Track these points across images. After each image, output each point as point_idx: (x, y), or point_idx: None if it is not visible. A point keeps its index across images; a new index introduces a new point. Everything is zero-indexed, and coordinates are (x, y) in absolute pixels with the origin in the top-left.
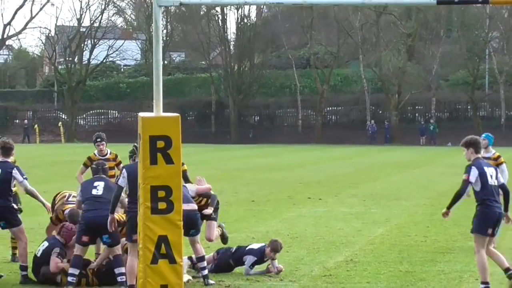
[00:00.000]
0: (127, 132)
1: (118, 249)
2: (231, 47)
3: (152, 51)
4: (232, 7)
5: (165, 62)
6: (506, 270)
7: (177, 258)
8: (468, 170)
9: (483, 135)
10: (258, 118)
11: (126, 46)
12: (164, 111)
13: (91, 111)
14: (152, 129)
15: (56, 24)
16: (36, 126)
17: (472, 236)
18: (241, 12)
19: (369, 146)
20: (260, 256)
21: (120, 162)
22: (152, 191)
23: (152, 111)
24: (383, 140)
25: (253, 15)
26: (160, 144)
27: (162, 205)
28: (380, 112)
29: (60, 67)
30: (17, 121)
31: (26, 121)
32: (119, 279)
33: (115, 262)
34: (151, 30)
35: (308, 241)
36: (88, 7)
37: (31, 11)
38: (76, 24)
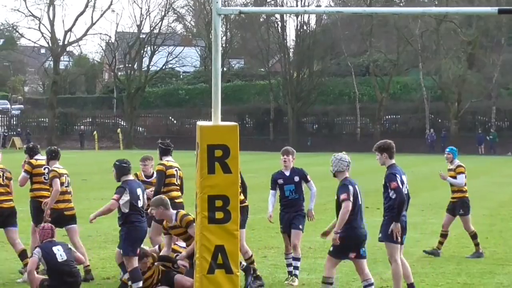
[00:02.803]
0: (186, 139)
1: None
2: (290, 54)
3: (211, 58)
4: (291, 14)
5: (224, 69)
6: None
7: (233, 268)
8: None
9: None
10: (316, 125)
11: (186, 53)
12: (222, 118)
13: (150, 118)
14: (210, 138)
15: (116, 31)
16: (95, 132)
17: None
18: (301, 19)
19: (428, 155)
20: None
21: None
22: (210, 201)
23: (210, 118)
24: (441, 149)
25: (312, 22)
26: (218, 153)
27: (219, 215)
28: (440, 120)
29: (119, 73)
30: (76, 127)
31: (82, 127)
32: None
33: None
34: (210, 37)
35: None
36: (148, 14)
37: (91, 17)
38: (136, 31)
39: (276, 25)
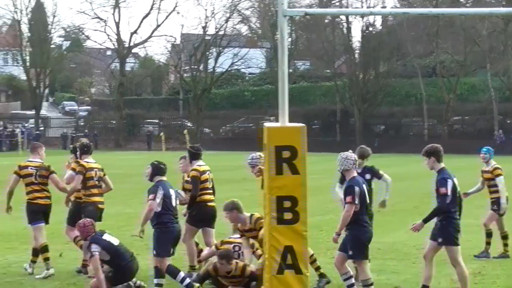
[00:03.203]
0: (252, 140)
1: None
2: (356, 55)
3: (276, 59)
4: (357, 15)
5: (290, 70)
6: None
7: (302, 269)
8: None
9: None
10: (383, 127)
11: (251, 54)
12: (288, 119)
13: (215, 119)
14: (277, 139)
15: (181, 32)
16: (162, 133)
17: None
18: (366, 20)
19: (496, 156)
20: None
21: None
22: (278, 202)
23: (276, 119)
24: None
25: (378, 23)
26: (286, 154)
27: (287, 215)
28: (508, 121)
29: (185, 75)
30: (144, 127)
31: (150, 128)
32: None
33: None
34: (275, 38)
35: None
36: (213, 16)
37: (157, 19)
38: (201, 32)
39: (341, 26)
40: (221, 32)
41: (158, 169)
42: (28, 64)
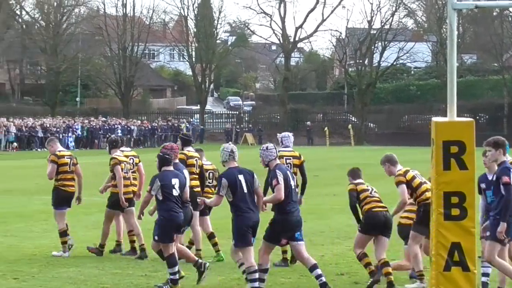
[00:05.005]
0: (417, 135)
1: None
2: None
3: (443, 53)
4: None
5: (457, 64)
6: None
7: (470, 266)
8: None
9: None
10: None
11: (417, 48)
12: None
13: (380, 114)
14: (445, 134)
15: (347, 27)
16: (326, 128)
17: None
18: None
19: None
20: None
21: None
22: (445, 197)
23: (442, 114)
24: None
25: None
26: (454, 149)
27: (455, 211)
28: None
29: (350, 69)
30: (309, 123)
31: (308, 123)
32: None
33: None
34: (442, 32)
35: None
36: (379, 9)
37: (322, 14)
38: (366, 26)
39: (510, 18)
40: (387, 26)
41: (164, 160)
42: (194, 59)
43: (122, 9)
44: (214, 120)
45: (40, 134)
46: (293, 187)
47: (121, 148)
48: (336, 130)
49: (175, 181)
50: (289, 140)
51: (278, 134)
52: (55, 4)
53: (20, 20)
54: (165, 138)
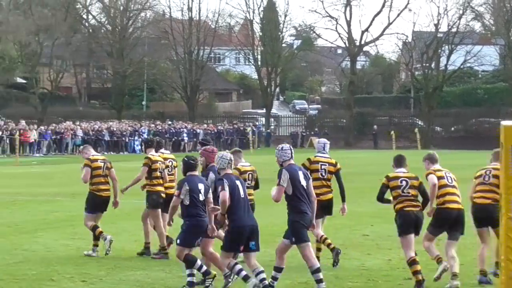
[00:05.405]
0: (484, 139)
1: None
2: None
3: (510, 56)
4: None
5: None
6: None
7: None
8: None
9: None
10: None
11: (484, 52)
12: None
13: (447, 118)
14: None
15: (413, 30)
16: (392, 132)
17: None
18: None
19: None
20: None
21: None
22: None
23: (510, 117)
24: None
25: None
26: None
27: None
28: None
29: (416, 73)
30: (374, 126)
31: (375, 126)
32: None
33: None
34: (510, 35)
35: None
36: (446, 12)
37: (388, 17)
38: (433, 30)
39: None
40: (454, 29)
41: (189, 165)
42: (259, 63)
43: (188, 13)
44: (280, 124)
45: (107, 138)
46: (304, 187)
47: (161, 151)
48: (402, 134)
49: (201, 186)
50: (326, 147)
51: (313, 139)
52: (121, 8)
53: (86, 24)
54: (231, 142)
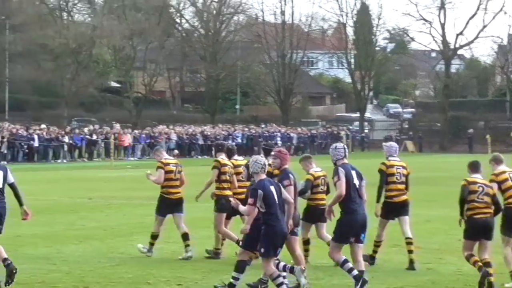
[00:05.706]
0: None
1: None
2: None
3: None
4: None
5: None
6: None
7: None
8: None
9: None
10: None
11: None
12: None
13: None
14: None
15: (508, 33)
16: (487, 136)
17: None
18: None
19: None
20: None
21: None
22: None
23: None
24: None
25: None
26: None
27: None
28: None
29: None
30: (469, 130)
31: (471, 130)
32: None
33: None
34: None
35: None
36: None
37: (483, 20)
38: None
39: None
40: None
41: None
42: (353, 66)
43: (280, 16)
44: (374, 128)
45: (201, 142)
46: (357, 186)
47: (234, 157)
48: (498, 138)
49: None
50: (397, 150)
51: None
52: (214, 12)
53: (180, 28)
54: (325, 145)
